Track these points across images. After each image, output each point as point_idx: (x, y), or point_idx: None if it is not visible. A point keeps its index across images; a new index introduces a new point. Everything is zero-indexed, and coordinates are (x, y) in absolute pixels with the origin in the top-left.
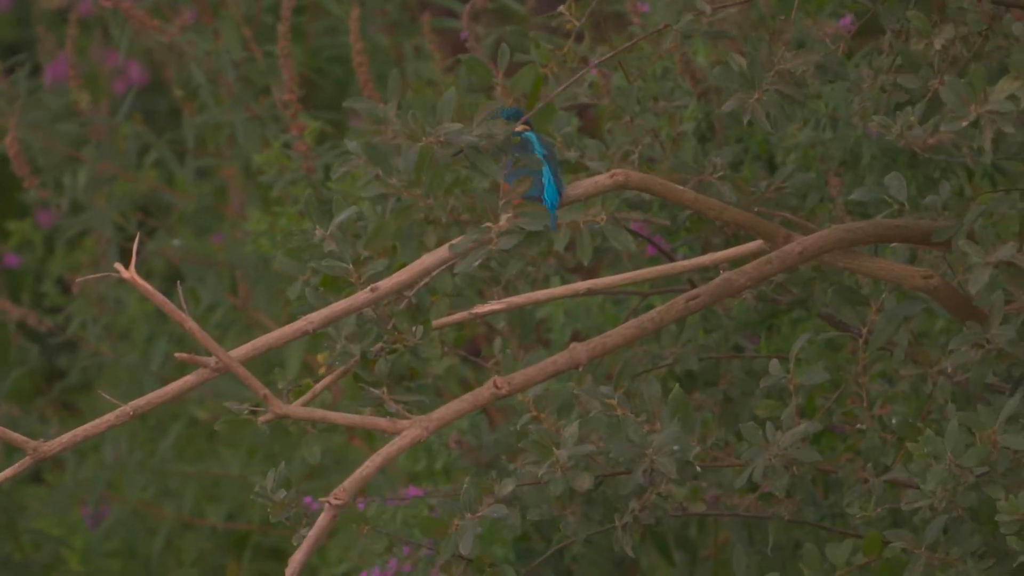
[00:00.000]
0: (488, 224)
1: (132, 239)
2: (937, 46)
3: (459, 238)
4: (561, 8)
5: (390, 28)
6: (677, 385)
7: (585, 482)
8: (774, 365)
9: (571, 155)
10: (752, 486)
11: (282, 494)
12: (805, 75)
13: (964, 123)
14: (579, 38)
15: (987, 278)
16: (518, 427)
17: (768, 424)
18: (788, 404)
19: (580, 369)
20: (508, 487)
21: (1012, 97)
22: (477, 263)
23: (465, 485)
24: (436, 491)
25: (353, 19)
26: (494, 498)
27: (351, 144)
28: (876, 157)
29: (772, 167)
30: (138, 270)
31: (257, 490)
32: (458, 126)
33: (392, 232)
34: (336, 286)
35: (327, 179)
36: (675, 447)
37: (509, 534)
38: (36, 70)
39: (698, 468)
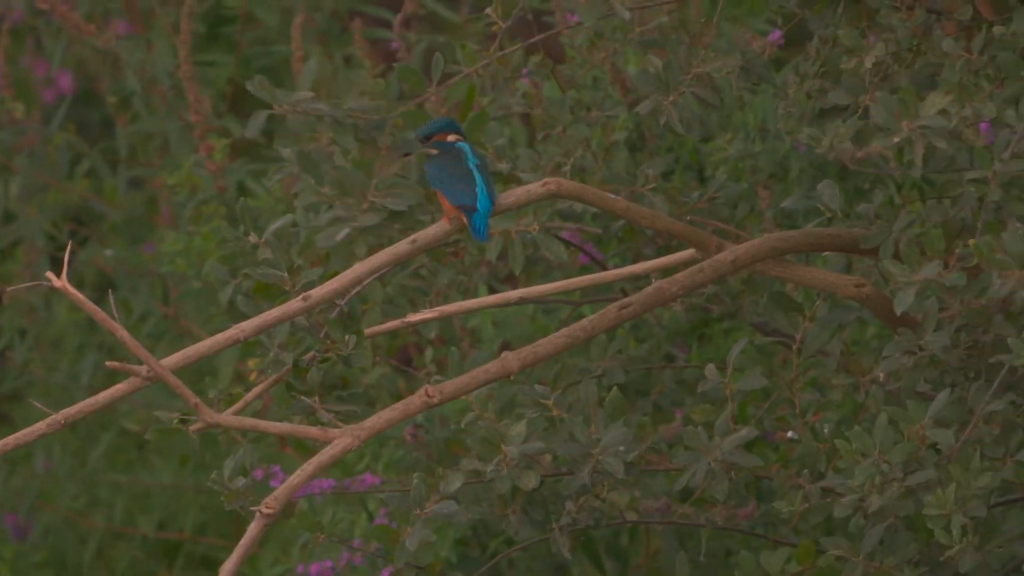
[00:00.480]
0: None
1: (64, 249)
2: (868, 64)
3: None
4: (488, 10)
5: (321, 38)
6: (614, 388)
7: (531, 480)
8: (711, 370)
9: (503, 167)
10: (688, 492)
11: (239, 482)
12: (729, 78)
13: (896, 139)
14: (504, 41)
15: (912, 298)
16: (462, 425)
17: (700, 429)
18: (724, 410)
19: (511, 378)
20: (455, 483)
21: (943, 112)
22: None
23: (415, 481)
24: (388, 484)
25: (296, 26)
26: (440, 495)
27: (284, 151)
28: (805, 170)
29: (702, 177)
30: (70, 280)
31: (214, 477)
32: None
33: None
34: (270, 294)
35: (241, 195)
36: (621, 447)
37: (454, 534)
38: None
39: (639, 472)
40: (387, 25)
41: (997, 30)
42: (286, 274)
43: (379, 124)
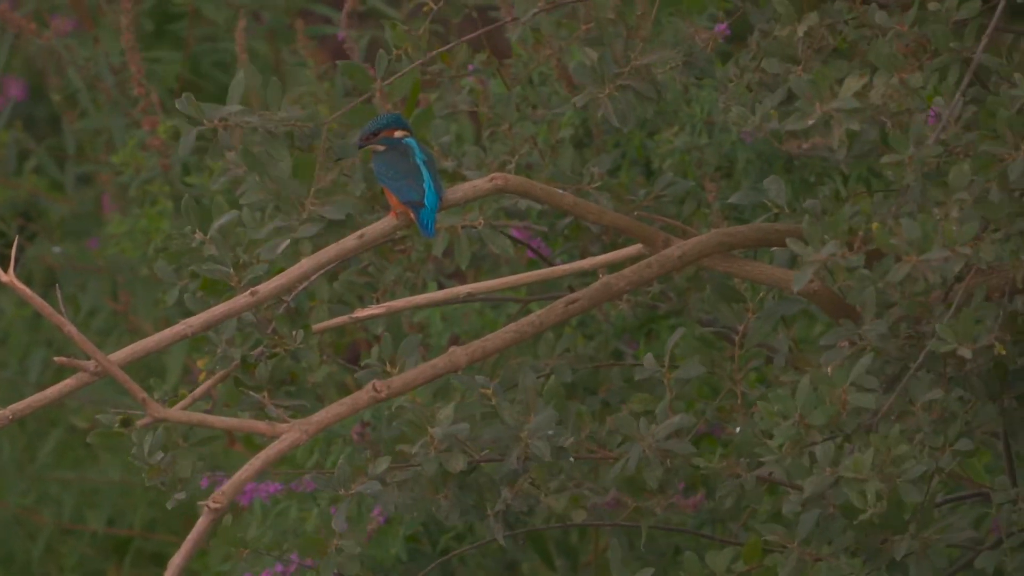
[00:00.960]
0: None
1: (11, 245)
2: (800, 32)
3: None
4: None
5: (269, 35)
6: (553, 377)
7: (458, 463)
8: (648, 359)
9: (448, 164)
10: (630, 486)
11: (159, 457)
12: (673, 72)
13: (810, 121)
14: (450, 37)
15: (809, 275)
16: (392, 408)
17: (642, 419)
18: (662, 399)
19: (459, 372)
20: (382, 465)
21: (859, 94)
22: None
23: (340, 462)
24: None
25: (239, 31)
26: (368, 476)
27: (229, 154)
28: (751, 162)
29: (649, 172)
30: (17, 276)
31: (133, 452)
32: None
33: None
34: (216, 290)
35: (185, 175)
36: (549, 431)
37: (404, 530)
38: None
39: (571, 458)
40: (332, 23)
41: (932, 5)
42: (232, 270)
43: (314, 132)
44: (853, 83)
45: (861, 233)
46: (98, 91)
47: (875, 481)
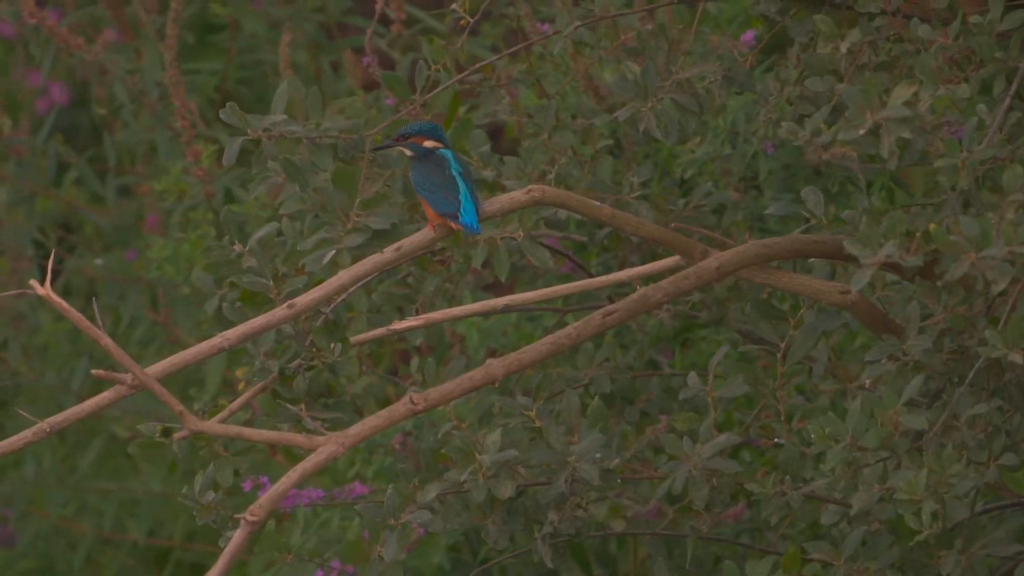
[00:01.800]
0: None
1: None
2: (843, 49)
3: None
4: (455, 5)
5: (311, 47)
6: (597, 397)
7: (507, 489)
8: (692, 378)
9: (488, 174)
10: (671, 498)
11: (209, 496)
12: (712, 86)
13: (861, 131)
14: (472, 33)
15: (867, 277)
16: (439, 436)
17: (685, 438)
18: (706, 417)
19: (496, 385)
20: (431, 493)
21: (909, 103)
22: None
23: (389, 491)
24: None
25: (283, 45)
26: (416, 505)
27: (271, 163)
28: (773, 172)
29: (682, 181)
30: (58, 288)
31: (184, 492)
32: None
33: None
34: (255, 302)
35: (229, 201)
36: (597, 455)
37: (446, 540)
38: None
39: (618, 480)
40: (379, 35)
41: (974, 19)
42: (271, 282)
43: (358, 143)
44: (902, 92)
45: (919, 234)
46: (141, 104)
47: (930, 502)
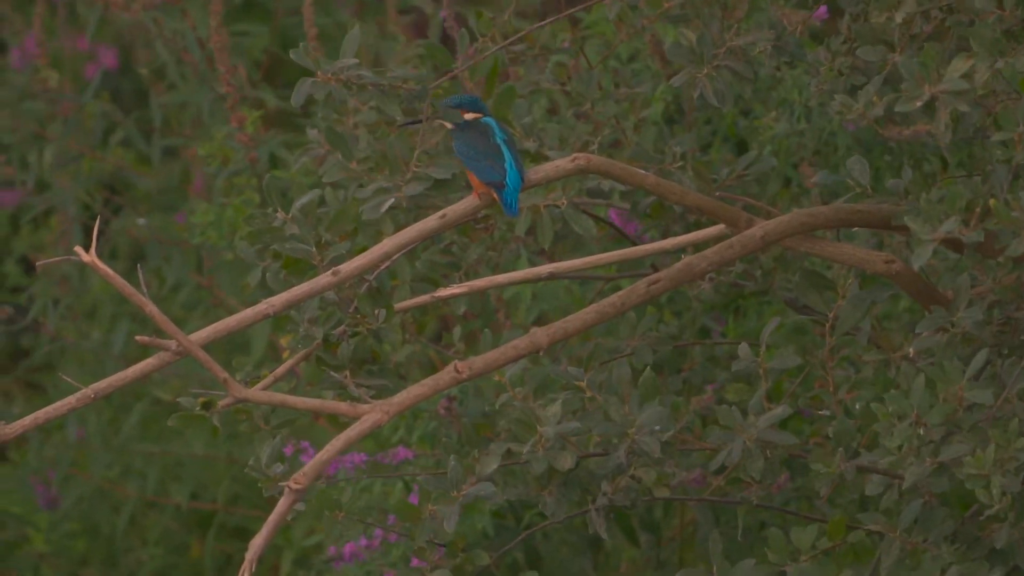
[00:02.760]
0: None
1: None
2: (898, 19)
3: (369, 188)
4: None
5: (358, 8)
6: (648, 368)
7: (567, 461)
8: (744, 349)
9: (530, 145)
10: (723, 467)
11: (277, 468)
12: (762, 55)
13: (918, 103)
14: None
15: (929, 253)
16: (496, 406)
17: (734, 408)
18: (757, 388)
19: (541, 353)
20: (491, 465)
21: (966, 75)
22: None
23: (451, 463)
24: (421, 458)
25: (307, 6)
26: (476, 477)
27: (311, 132)
28: (851, 147)
29: (741, 150)
30: (103, 250)
31: (251, 463)
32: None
33: (353, 215)
34: (298, 269)
35: (273, 167)
36: (656, 427)
37: (491, 506)
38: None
39: (676, 451)
40: None
41: None
42: (314, 248)
43: (421, 93)
44: (960, 64)
45: (978, 210)
46: (185, 65)
47: (998, 476)
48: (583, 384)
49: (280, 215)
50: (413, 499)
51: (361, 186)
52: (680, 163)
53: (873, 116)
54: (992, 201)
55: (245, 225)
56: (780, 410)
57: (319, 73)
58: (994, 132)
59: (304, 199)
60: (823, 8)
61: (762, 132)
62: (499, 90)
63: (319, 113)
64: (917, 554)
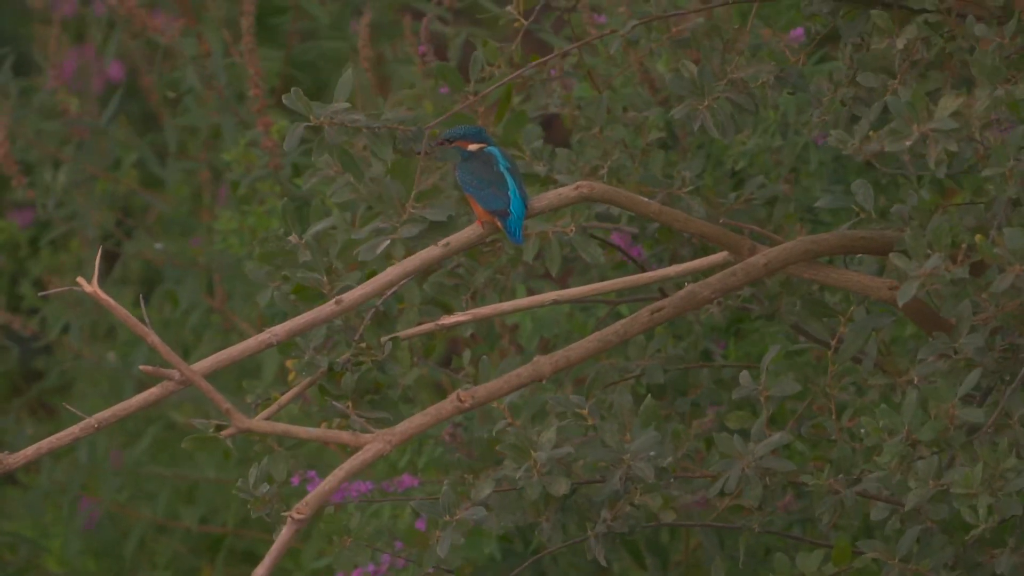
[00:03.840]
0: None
1: (111, 239)
2: (899, 45)
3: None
4: (509, 7)
5: (372, 32)
6: (648, 396)
7: (561, 487)
8: (744, 377)
9: (540, 168)
10: (723, 494)
11: (264, 489)
12: (764, 86)
13: (908, 142)
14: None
15: (914, 290)
16: (493, 432)
17: (736, 435)
18: (759, 415)
19: (543, 381)
20: (485, 491)
21: (956, 113)
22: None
23: (444, 488)
24: (428, 485)
25: (363, 26)
26: (471, 501)
27: (320, 159)
28: (825, 163)
29: (733, 173)
30: (116, 272)
31: (239, 485)
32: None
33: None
34: (308, 296)
35: (295, 176)
36: (652, 452)
37: (499, 530)
38: (20, 65)
39: (671, 479)
40: (444, 21)
41: None
42: (324, 277)
43: (416, 135)
44: (949, 103)
45: (964, 245)
46: (206, 88)
47: (985, 496)
48: (584, 412)
49: (293, 238)
50: (420, 525)
51: (371, 210)
52: (689, 187)
53: (870, 151)
54: (978, 237)
55: (259, 245)
56: (778, 437)
57: (311, 117)
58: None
59: (318, 227)
60: (799, 30)
61: (734, 147)
62: (508, 116)
63: (314, 153)
64: None
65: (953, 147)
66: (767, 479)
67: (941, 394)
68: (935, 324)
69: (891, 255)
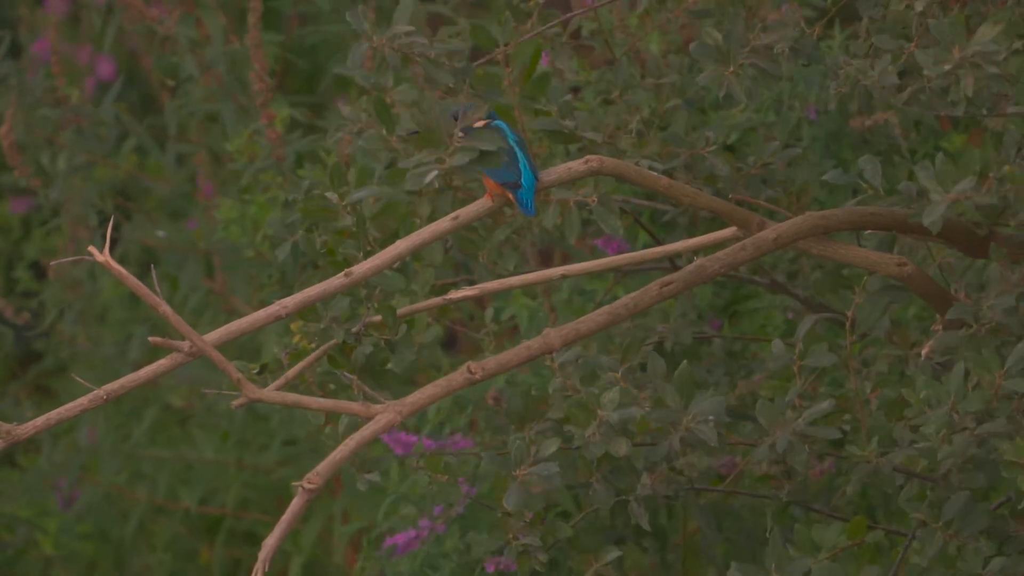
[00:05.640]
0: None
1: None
2: (918, 7)
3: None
4: None
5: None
6: (685, 362)
7: (622, 447)
8: (778, 345)
9: (567, 124)
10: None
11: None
12: (780, 56)
13: (947, 66)
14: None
15: (940, 211)
16: (550, 391)
17: (774, 402)
18: (792, 385)
19: (553, 355)
20: (551, 447)
21: (995, 40)
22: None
23: (515, 443)
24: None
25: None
26: (532, 458)
27: (345, 110)
28: (818, 139)
29: (726, 147)
30: (115, 256)
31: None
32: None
33: (399, 213)
34: (337, 264)
35: (298, 166)
36: (711, 416)
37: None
38: (13, 50)
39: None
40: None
41: None
42: (361, 254)
43: (464, 71)
44: (988, 30)
45: (992, 175)
46: (205, 75)
47: None
48: (618, 375)
49: (334, 198)
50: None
51: (393, 165)
52: (713, 148)
53: (888, 83)
54: (1007, 167)
55: (268, 227)
56: (826, 404)
57: (373, 39)
58: (1006, 106)
59: (360, 193)
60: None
61: (726, 120)
62: (536, 75)
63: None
64: (958, 548)
65: (994, 70)
66: (808, 447)
67: (988, 364)
68: (944, 301)
69: (919, 175)
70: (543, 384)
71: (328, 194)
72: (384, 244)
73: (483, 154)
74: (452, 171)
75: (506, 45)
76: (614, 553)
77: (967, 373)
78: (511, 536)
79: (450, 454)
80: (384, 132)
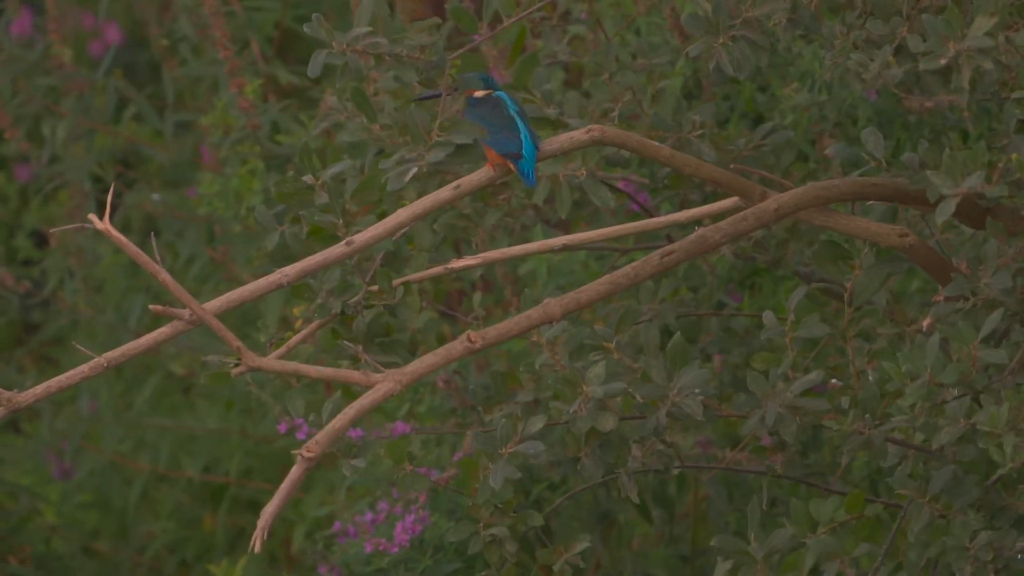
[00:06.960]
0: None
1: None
2: None
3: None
4: None
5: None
6: (678, 333)
7: (609, 422)
8: (769, 317)
9: (551, 112)
10: (736, 439)
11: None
12: (776, 28)
13: (942, 61)
14: None
15: (952, 208)
16: (537, 367)
17: (768, 375)
18: (784, 358)
19: (553, 324)
20: (537, 424)
21: (989, 33)
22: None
23: (502, 420)
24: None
25: None
26: (519, 436)
27: (330, 99)
28: (871, 119)
29: (758, 125)
30: (116, 223)
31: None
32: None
33: (378, 185)
34: (322, 238)
35: (275, 134)
36: (697, 390)
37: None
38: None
39: (714, 414)
40: None
41: None
42: (340, 221)
43: (438, 64)
44: (983, 23)
45: (1000, 165)
46: (204, 38)
47: (1011, 436)
48: (611, 346)
49: (310, 179)
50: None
51: (382, 153)
52: (699, 132)
53: (891, 78)
54: (1015, 156)
55: (253, 196)
56: (814, 375)
57: (334, 44)
58: (1011, 93)
59: (337, 168)
60: None
61: (783, 102)
62: (521, 58)
63: (336, 84)
64: (945, 520)
65: (988, 65)
66: (798, 419)
67: (963, 335)
68: (946, 272)
69: (928, 173)
70: (515, 362)
71: (304, 177)
72: (363, 218)
73: (460, 148)
74: (430, 166)
75: (491, 26)
76: (583, 544)
77: (942, 343)
78: (480, 525)
79: (387, 438)
80: (365, 121)
